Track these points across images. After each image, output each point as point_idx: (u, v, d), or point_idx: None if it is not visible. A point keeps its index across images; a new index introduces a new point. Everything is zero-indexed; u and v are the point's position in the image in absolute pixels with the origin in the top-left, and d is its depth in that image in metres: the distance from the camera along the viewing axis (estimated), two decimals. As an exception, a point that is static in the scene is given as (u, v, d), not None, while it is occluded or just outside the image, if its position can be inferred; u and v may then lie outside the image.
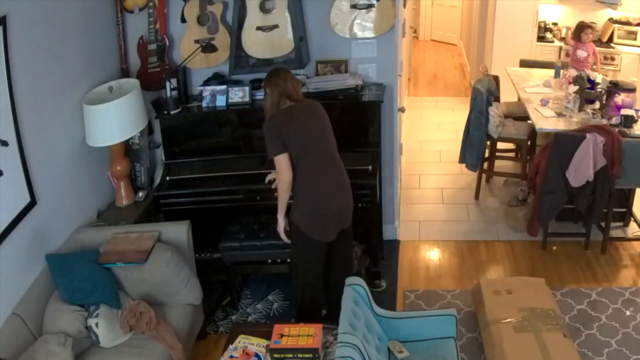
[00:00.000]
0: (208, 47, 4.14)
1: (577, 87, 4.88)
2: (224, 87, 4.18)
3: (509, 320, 3.50)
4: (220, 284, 4.21)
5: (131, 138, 4.00)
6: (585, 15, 7.01)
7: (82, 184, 3.79)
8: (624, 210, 4.88)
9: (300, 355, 2.82)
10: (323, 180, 3.37)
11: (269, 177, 3.70)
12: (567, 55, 6.45)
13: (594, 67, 6.01)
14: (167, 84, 4.11)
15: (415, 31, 10.57)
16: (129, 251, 3.39)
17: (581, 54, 6.05)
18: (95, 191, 3.93)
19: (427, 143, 6.71)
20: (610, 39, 6.92)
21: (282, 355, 2.83)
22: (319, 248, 3.46)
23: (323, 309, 3.72)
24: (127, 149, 4.08)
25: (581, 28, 6.09)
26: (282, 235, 3.53)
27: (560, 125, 4.69)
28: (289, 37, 4.13)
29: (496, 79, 5.76)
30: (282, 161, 3.31)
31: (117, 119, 3.67)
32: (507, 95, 6.05)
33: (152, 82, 4.24)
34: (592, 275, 4.37)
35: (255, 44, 4.15)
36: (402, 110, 4.98)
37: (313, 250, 3.46)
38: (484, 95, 5.15)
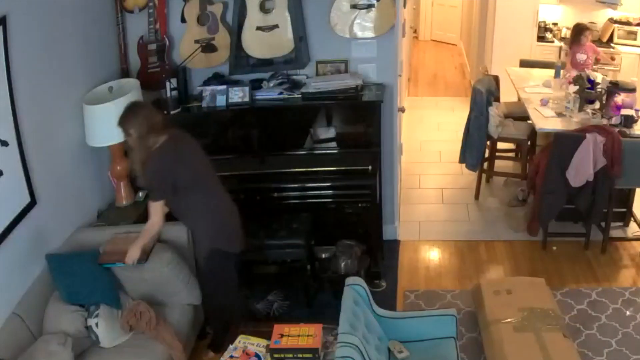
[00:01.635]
0: (208, 47, 4.14)
1: (577, 87, 4.87)
2: (224, 87, 4.18)
3: (509, 320, 3.50)
4: (220, 284, 4.21)
5: (131, 138, 3.99)
6: (585, 15, 7.01)
7: (82, 184, 3.79)
8: (624, 210, 4.88)
9: (300, 355, 2.82)
10: (220, 201, 3.39)
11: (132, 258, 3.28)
12: (567, 54, 6.45)
13: (595, 67, 5.99)
14: (167, 84, 4.11)
15: (415, 31, 10.56)
16: None
17: (581, 57, 6.03)
18: (95, 191, 3.93)
19: (427, 143, 6.71)
20: (610, 39, 6.92)
21: (282, 355, 2.83)
22: (234, 259, 3.49)
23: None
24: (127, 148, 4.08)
25: (580, 31, 6.04)
26: (130, 261, 3.29)
27: (560, 125, 4.68)
28: (289, 37, 4.13)
29: (496, 79, 5.76)
30: (159, 207, 3.20)
31: (117, 119, 3.66)
32: (507, 95, 6.05)
33: (152, 82, 4.24)
34: (592, 275, 4.37)
35: (255, 44, 4.15)
36: (402, 110, 4.98)
37: (231, 264, 3.48)
38: (484, 95, 5.15)
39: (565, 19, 7.27)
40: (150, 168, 3.15)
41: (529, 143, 5.38)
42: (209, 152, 4.16)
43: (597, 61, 6.17)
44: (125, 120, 3.15)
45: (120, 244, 3.43)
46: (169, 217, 4.01)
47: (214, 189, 3.38)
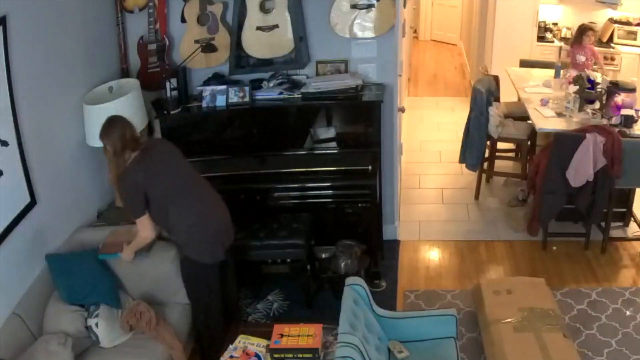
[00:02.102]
0: (208, 47, 4.14)
1: (577, 87, 4.88)
2: (224, 87, 4.18)
3: (509, 320, 3.50)
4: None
5: (131, 138, 3.99)
6: (585, 15, 7.02)
7: (82, 184, 3.79)
8: (624, 210, 4.88)
9: (300, 355, 2.82)
10: (201, 208, 3.28)
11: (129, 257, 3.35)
12: (568, 55, 6.46)
13: (595, 67, 6.00)
14: (167, 84, 4.11)
15: (415, 31, 10.56)
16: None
17: (580, 58, 6.05)
18: (95, 191, 3.93)
19: (427, 143, 6.71)
20: (610, 39, 6.92)
21: (282, 355, 2.83)
22: (215, 270, 3.38)
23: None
24: (127, 149, 4.08)
25: (583, 30, 6.07)
26: (129, 258, 3.36)
27: (560, 125, 4.68)
28: (289, 37, 4.13)
29: (496, 79, 5.76)
30: (146, 221, 3.17)
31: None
32: (507, 95, 6.05)
33: (152, 82, 4.24)
34: (592, 275, 4.37)
35: (255, 44, 4.15)
36: (402, 110, 4.98)
37: (212, 276, 3.38)
38: (484, 95, 5.15)
39: (565, 19, 7.27)
40: (121, 186, 3.17)
41: (529, 143, 5.38)
42: (209, 152, 4.21)
43: (596, 63, 6.19)
44: (103, 134, 3.15)
45: (121, 237, 3.44)
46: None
47: (194, 200, 3.26)
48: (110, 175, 3.93)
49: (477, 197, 5.52)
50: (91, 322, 3.14)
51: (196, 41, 4.15)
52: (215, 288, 3.43)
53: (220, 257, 3.35)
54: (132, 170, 3.13)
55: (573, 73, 5.33)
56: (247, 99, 4.16)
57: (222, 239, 3.38)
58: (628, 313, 3.95)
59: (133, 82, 3.96)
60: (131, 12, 4.15)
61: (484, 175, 5.60)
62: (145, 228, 3.20)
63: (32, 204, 3.23)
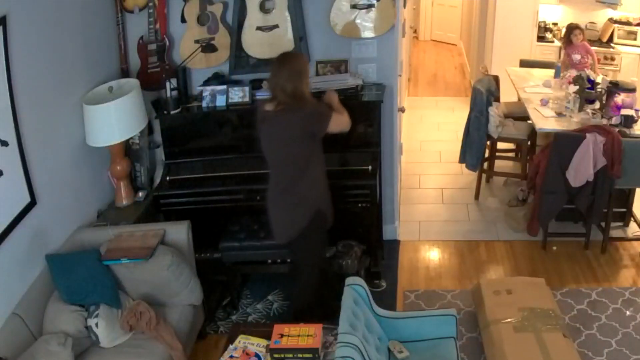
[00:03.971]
0: (208, 47, 4.14)
1: (577, 87, 4.88)
2: (224, 87, 4.17)
3: (509, 320, 3.50)
4: (220, 284, 4.21)
5: (131, 138, 4.00)
6: (586, 15, 7.02)
7: (82, 184, 3.79)
8: (624, 210, 4.88)
9: (300, 355, 2.82)
10: (269, 192, 3.48)
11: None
12: (567, 56, 6.45)
13: (593, 67, 6.00)
14: (167, 84, 4.11)
15: (415, 31, 10.56)
16: (134, 248, 3.38)
17: (575, 57, 6.05)
18: (95, 191, 3.93)
19: (427, 143, 6.71)
20: (610, 39, 6.92)
21: (282, 355, 2.83)
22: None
23: None
24: (127, 149, 4.08)
25: (570, 30, 6.07)
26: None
27: (560, 125, 4.69)
28: (289, 37, 4.14)
29: (496, 79, 5.76)
30: None
31: (117, 119, 3.67)
32: (507, 95, 6.05)
33: (152, 82, 4.24)
34: (592, 275, 4.37)
35: (255, 44, 4.15)
36: (402, 110, 4.98)
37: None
38: (484, 95, 5.15)
39: (565, 19, 7.27)
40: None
41: (529, 143, 5.38)
42: (209, 152, 4.20)
43: (597, 61, 6.18)
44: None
45: (125, 242, 3.43)
46: (168, 217, 4.03)
47: (271, 180, 3.46)
48: (111, 171, 3.94)
49: (477, 197, 5.52)
50: (91, 322, 3.14)
51: (196, 41, 4.15)
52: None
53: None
54: (258, 111, 3.38)
55: (573, 73, 5.33)
56: (247, 99, 4.16)
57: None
58: (628, 313, 3.95)
59: (133, 82, 3.96)
60: (131, 12, 4.15)
61: (484, 175, 5.61)
62: None
63: (32, 204, 3.23)
